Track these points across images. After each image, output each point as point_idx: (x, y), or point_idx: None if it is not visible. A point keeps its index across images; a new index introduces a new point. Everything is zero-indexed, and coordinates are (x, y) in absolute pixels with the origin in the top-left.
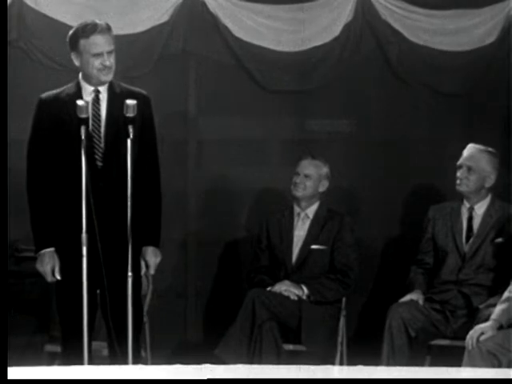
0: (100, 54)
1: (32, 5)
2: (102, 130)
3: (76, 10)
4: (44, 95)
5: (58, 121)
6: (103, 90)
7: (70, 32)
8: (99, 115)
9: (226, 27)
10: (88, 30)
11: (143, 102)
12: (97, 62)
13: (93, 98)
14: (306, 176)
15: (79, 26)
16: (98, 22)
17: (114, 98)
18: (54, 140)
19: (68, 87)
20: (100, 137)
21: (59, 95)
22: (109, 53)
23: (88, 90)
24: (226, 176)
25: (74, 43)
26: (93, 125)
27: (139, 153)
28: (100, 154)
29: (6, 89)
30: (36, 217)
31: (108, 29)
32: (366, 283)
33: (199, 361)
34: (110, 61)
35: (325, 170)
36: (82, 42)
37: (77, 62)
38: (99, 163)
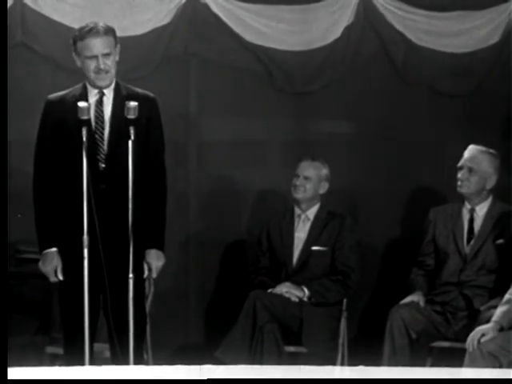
0: (94, 57)
1: (33, 6)
2: (106, 131)
3: (77, 11)
4: (51, 96)
5: (63, 122)
6: (108, 92)
7: (72, 34)
8: (102, 117)
9: (228, 28)
10: (83, 32)
11: (150, 105)
12: (92, 65)
13: (96, 99)
14: (306, 178)
15: (78, 28)
16: (96, 24)
17: (119, 100)
18: (59, 141)
19: (75, 89)
20: (103, 139)
21: (65, 97)
22: (104, 55)
23: (93, 92)
24: (227, 177)
25: (74, 46)
26: (95, 127)
27: (145, 155)
28: (103, 156)
29: (6, 89)
30: (40, 217)
31: (106, 31)
32: (366, 285)
33: (200, 362)
34: (104, 63)
35: (324, 171)
36: (79, 44)
37: (78, 64)
38: (102, 165)
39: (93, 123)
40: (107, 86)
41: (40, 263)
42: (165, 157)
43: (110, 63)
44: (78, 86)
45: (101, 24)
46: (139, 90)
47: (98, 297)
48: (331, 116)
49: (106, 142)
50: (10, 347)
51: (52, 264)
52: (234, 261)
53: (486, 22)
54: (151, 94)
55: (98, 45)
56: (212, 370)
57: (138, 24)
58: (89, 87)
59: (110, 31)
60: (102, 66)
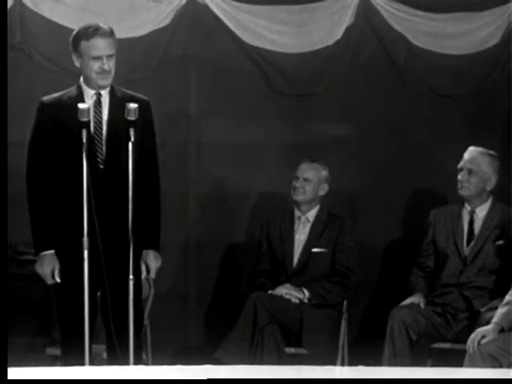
0: (99, 58)
1: (33, 8)
2: (104, 133)
3: (76, 13)
4: (45, 98)
5: (60, 124)
6: (105, 93)
7: (73, 33)
8: (101, 118)
9: (227, 30)
10: (90, 32)
11: (144, 107)
12: (96, 66)
13: (94, 101)
14: (306, 180)
15: (82, 27)
16: (101, 25)
17: (115, 102)
18: (56, 143)
19: (69, 90)
20: (101, 139)
21: (61, 98)
22: (108, 57)
23: (89, 94)
24: (227, 179)
25: (75, 44)
26: (94, 128)
27: (140, 157)
28: (101, 157)
29: (6, 91)
30: (36, 219)
31: (110, 33)
32: (367, 286)
33: (200, 363)
34: (108, 65)
35: (324, 173)
36: (83, 43)
37: (77, 64)
38: (101, 166)
39: (92, 125)
40: (107, 87)
41: (37, 265)
42: (158, 159)
43: (112, 64)
44: (73, 88)
45: (103, 25)
46: (133, 93)
47: (95, 298)
48: (331, 118)
49: (104, 144)
50: (10, 348)
51: (50, 266)
52: (233, 262)
53: (485, 23)
54: (145, 97)
55: (103, 45)
56: (212, 370)
57: (138, 26)
58: (85, 88)
59: (112, 33)
60: (105, 67)
